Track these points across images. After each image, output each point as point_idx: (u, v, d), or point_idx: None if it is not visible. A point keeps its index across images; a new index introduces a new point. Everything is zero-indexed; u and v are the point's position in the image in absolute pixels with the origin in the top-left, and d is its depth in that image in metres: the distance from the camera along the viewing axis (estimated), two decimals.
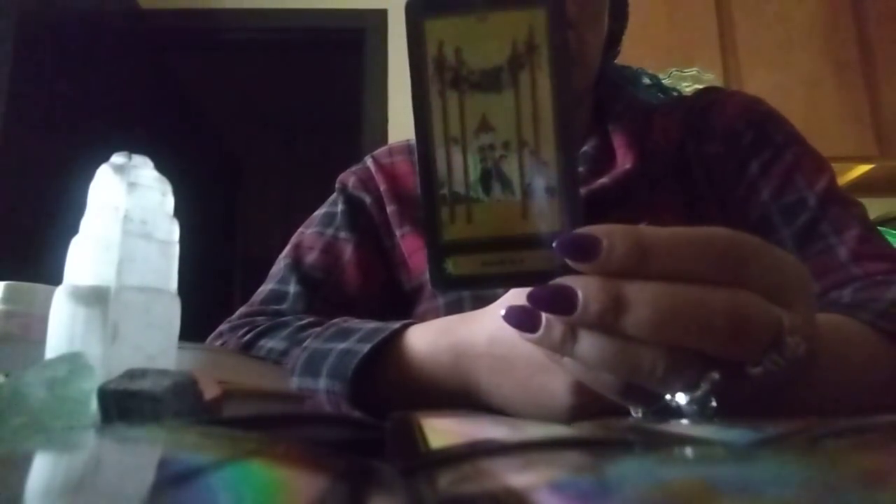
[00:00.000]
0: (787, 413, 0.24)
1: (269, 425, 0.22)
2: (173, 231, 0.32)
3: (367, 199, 0.62)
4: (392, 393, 0.38)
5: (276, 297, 0.57)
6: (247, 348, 0.49)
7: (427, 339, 0.38)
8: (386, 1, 2.21)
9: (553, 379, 0.31)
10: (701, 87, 0.72)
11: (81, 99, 1.71)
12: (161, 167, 0.32)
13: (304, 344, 0.43)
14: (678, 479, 0.14)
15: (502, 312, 0.25)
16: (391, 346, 0.38)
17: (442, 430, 0.21)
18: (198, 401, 0.24)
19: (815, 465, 0.15)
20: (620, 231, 0.22)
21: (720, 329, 0.22)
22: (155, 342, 0.29)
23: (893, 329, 0.36)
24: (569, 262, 0.23)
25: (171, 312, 0.30)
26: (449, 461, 0.16)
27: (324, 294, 0.57)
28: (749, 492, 0.11)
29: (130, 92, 2.01)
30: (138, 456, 0.18)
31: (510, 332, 0.25)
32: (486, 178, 0.24)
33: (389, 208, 0.61)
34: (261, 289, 0.60)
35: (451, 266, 0.24)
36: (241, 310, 0.58)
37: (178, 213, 0.32)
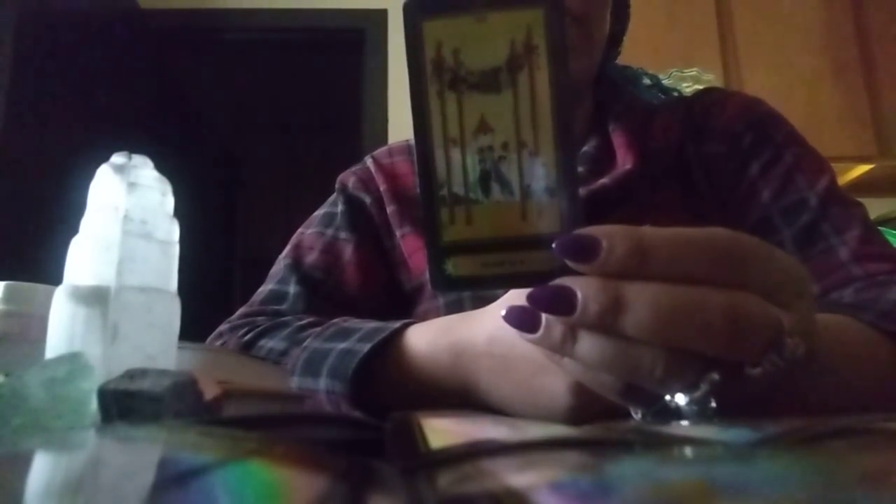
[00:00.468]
0: (787, 413, 0.24)
1: (269, 425, 0.22)
2: (173, 231, 0.32)
3: (368, 200, 0.62)
4: (392, 392, 0.38)
5: (276, 297, 0.57)
6: (247, 348, 0.49)
7: (427, 338, 0.38)
8: (386, 1, 2.22)
9: (553, 379, 0.31)
10: (701, 87, 0.72)
11: (81, 99, 1.71)
12: (161, 167, 0.32)
13: (304, 344, 0.43)
14: (678, 479, 0.14)
15: (502, 312, 0.25)
16: (391, 345, 0.38)
17: (442, 430, 0.21)
18: (198, 401, 0.24)
19: (815, 465, 0.15)
20: (620, 232, 0.22)
21: (720, 330, 0.22)
22: (155, 342, 0.29)
23: (895, 329, 0.36)
24: (568, 262, 0.23)
25: (171, 312, 0.30)
26: (449, 461, 0.16)
27: (324, 294, 0.57)
28: (749, 492, 0.11)
29: (130, 92, 2.01)
30: (138, 456, 0.18)
31: (510, 332, 0.25)
32: (485, 179, 0.24)
33: (389, 208, 0.61)
34: (261, 289, 0.60)
35: (452, 267, 0.24)
36: (241, 310, 0.58)
37: (178, 213, 0.32)
